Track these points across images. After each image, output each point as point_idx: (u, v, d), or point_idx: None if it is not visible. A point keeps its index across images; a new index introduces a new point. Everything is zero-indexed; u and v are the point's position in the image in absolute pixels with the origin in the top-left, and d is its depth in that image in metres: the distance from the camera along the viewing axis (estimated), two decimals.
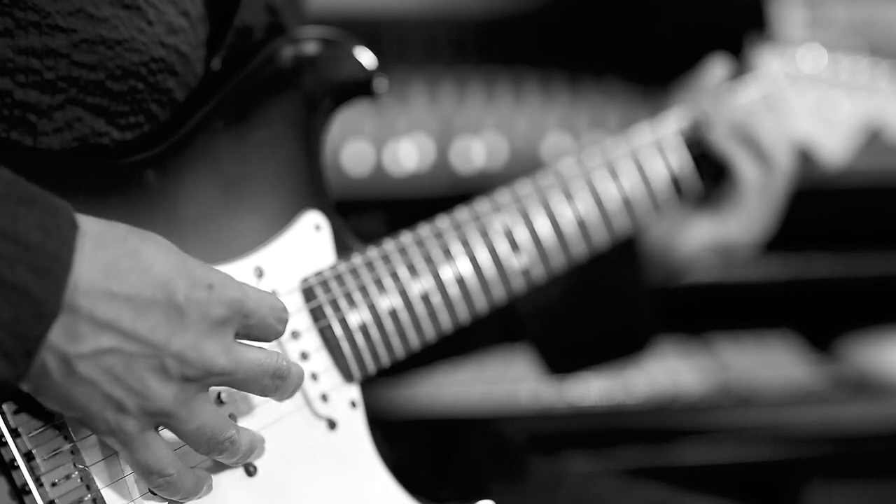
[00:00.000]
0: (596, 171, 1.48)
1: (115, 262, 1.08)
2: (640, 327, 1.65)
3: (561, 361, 1.70)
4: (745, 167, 1.56)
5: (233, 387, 1.15)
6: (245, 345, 1.14)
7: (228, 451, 1.15)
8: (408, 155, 2.28)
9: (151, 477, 1.12)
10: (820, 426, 2.29)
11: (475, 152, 2.31)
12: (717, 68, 1.63)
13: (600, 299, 1.63)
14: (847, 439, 2.30)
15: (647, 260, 1.63)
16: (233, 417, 1.21)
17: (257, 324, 1.14)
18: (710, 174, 1.58)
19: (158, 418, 1.10)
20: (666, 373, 2.38)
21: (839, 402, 2.33)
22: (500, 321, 1.55)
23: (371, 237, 1.36)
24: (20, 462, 1.10)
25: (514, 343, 1.71)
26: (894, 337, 2.45)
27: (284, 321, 1.16)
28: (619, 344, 1.68)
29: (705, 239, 1.60)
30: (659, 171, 1.54)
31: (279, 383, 1.16)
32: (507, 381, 2.34)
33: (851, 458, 2.31)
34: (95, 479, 1.13)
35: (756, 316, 2.53)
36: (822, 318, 2.51)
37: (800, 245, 2.33)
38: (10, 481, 1.10)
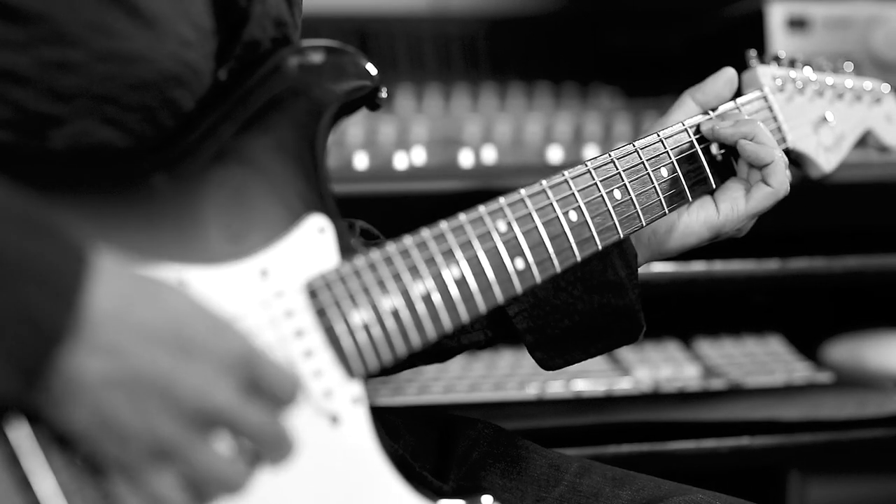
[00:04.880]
0: (601, 171, 1.50)
1: (129, 296, 1.10)
2: (633, 314, 1.64)
3: (554, 354, 1.67)
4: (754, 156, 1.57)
5: (239, 433, 1.16)
6: (252, 397, 1.15)
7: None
8: (412, 158, 2.29)
9: None
10: (804, 418, 2.32)
11: (480, 158, 2.32)
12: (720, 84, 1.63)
13: (591, 289, 1.62)
14: (831, 429, 2.33)
15: (635, 246, 1.63)
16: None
17: (266, 378, 1.15)
18: (717, 171, 1.61)
19: (162, 452, 1.11)
20: (655, 366, 2.40)
21: (824, 397, 2.36)
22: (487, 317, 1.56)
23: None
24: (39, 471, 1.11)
25: (502, 342, 1.71)
26: (877, 336, 2.48)
27: (296, 386, 1.17)
28: (612, 333, 1.67)
29: (701, 226, 1.61)
30: (665, 172, 1.55)
31: (279, 443, 1.18)
32: (504, 374, 2.36)
33: (834, 449, 2.35)
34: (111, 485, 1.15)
35: (743, 313, 2.56)
36: (806, 317, 2.53)
37: (785, 244, 2.34)
38: (27, 490, 1.11)
